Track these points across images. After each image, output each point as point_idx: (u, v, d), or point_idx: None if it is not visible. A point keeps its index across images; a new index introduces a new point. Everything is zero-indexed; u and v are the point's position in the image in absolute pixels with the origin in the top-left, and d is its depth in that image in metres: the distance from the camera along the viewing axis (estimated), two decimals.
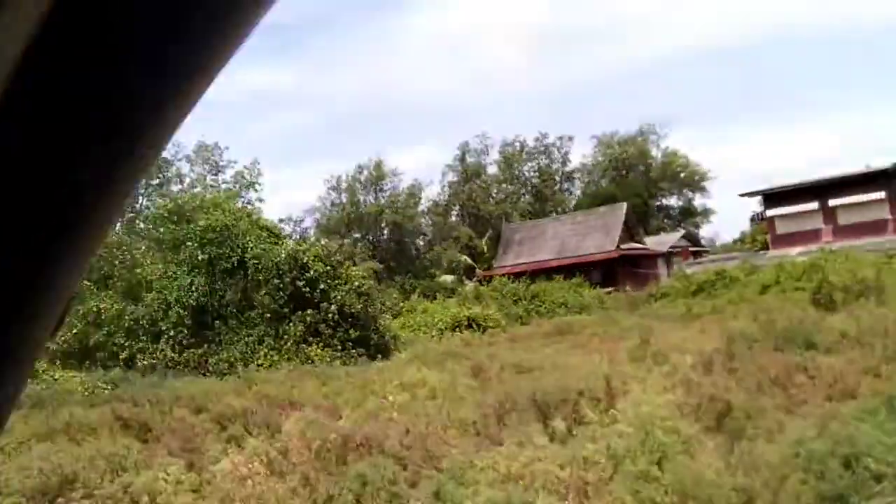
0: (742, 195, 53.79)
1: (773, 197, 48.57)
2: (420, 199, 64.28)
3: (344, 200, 63.42)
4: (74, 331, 23.91)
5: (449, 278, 53.66)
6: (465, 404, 11.62)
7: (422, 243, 65.13)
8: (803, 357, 10.25)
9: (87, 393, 19.58)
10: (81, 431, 13.40)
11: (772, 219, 48.97)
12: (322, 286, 24.58)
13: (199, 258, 24.94)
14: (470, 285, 49.79)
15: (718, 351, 11.14)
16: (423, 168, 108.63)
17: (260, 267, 24.75)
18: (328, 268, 25.01)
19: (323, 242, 29.74)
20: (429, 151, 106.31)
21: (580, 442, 6.96)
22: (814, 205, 45.86)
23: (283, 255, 24.66)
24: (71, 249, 0.76)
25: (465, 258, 55.49)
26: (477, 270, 53.62)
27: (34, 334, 0.79)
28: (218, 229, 25.30)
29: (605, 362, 11.16)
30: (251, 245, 25.34)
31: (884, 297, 20.83)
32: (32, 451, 10.04)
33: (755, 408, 7.89)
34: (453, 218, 65.84)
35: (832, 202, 45.13)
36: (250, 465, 6.86)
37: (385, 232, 62.43)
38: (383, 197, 63.57)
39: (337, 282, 25.00)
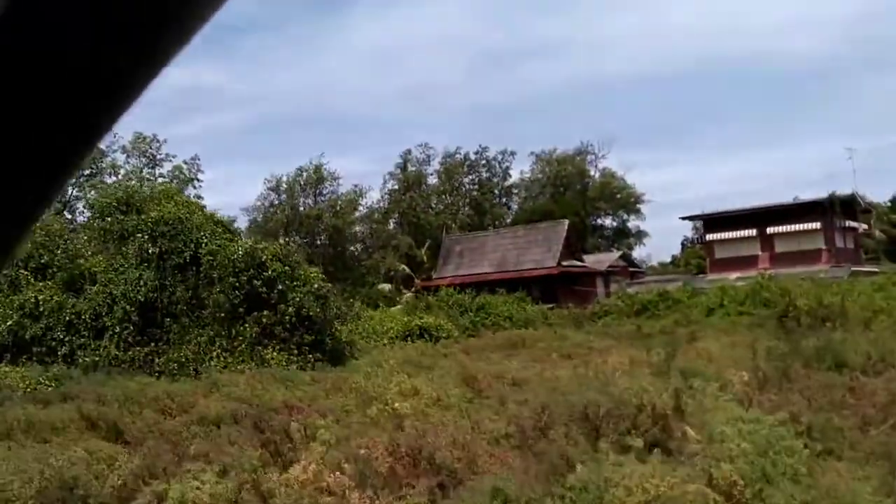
0: (683, 218, 55.08)
1: (713, 222, 49.65)
2: (360, 204, 63.39)
3: (283, 202, 61.93)
4: (9, 322, 22.24)
5: (387, 287, 52.91)
6: (478, 414, 11.00)
7: (360, 249, 64.04)
8: (846, 377, 10.00)
9: (28, 390, 18.13)
10: (44, 431, 12.26)
11: (711, 243, 49.96)
12: (280, 287, 23.50)
13: (150, 251, 23.56)
14: (408, 295, 49.09)
15: (756, 369, 10.81)
16: (352, 178, 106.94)
17: (215, 264, 23.51)
18: (286, 268, 23.95)
19: (281, 242, 28.45)
20: (357, 161, 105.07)
21: (689, 461, 6.44)
22: (752, 231, 46.97)
23: (241, 253, 23.48)
24: None
25: (404, 267, 54.79)
26: (415, 280, 52.95)
27: None
28: (171, 222, 23.98)
29: (622, 375, 10.66)
30: (205, 240, 24.08)
31: (848, 324, 21.14)
32: (25, 452, 8.90)
33: (830, 427, 7.54)
34: (392, 226, 64.98)
35: (770, 230, 46.33)
36: (334, 476, 6.04)
37: (323, 236, 61.11)
38: (322, 200, 62.35)
39: (295, 283, 23.96)
